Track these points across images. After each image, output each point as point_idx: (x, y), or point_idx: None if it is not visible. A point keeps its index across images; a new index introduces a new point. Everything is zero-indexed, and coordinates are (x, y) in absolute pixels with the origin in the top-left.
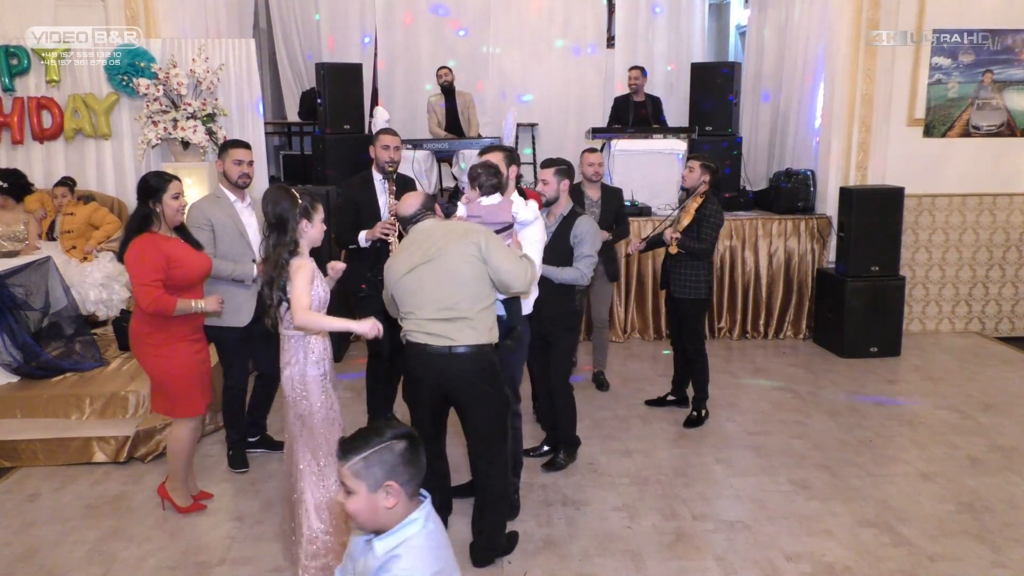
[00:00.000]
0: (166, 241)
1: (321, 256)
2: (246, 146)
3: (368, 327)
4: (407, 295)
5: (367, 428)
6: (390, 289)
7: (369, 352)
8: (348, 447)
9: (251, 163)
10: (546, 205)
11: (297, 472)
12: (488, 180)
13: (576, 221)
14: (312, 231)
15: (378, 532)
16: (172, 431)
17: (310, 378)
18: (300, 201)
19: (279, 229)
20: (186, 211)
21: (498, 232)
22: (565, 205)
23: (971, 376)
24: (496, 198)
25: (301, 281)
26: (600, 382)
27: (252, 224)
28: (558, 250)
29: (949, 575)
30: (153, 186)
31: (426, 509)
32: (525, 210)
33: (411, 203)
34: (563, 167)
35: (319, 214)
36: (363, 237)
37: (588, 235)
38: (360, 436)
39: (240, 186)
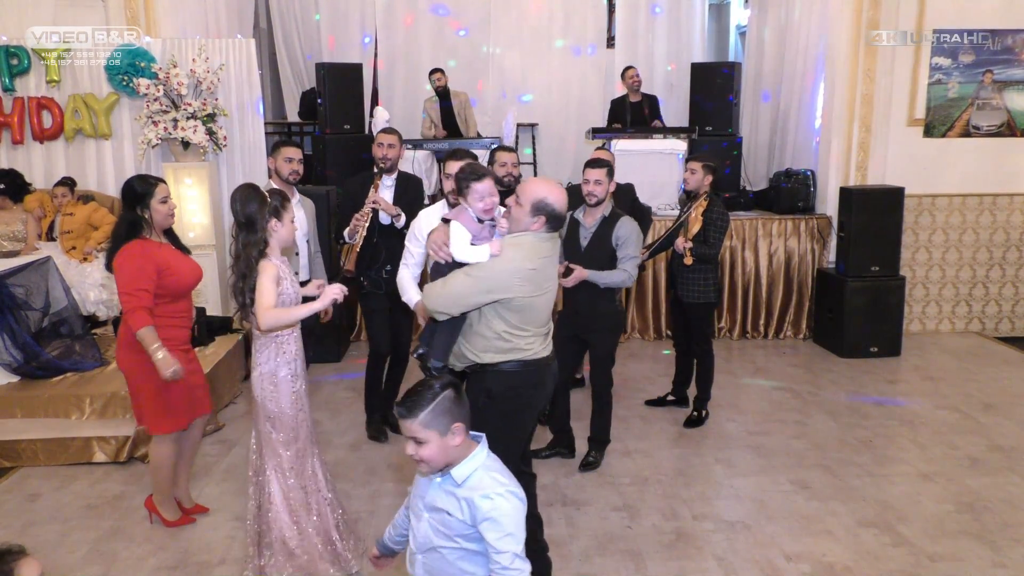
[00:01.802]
0: (158, 248)
1: (324, 254)
2: (296, 145)
3: (333, 293)
4: (545, 308)
5: (420, 385)
6: (523, 298)
7: (370, 351)
8: (412, 405)
9: (300, 160)
10: (596, 205)
11: (265, 475)
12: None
13: (619, 222)
14: (282, 231)
15: (434, 472)
16: (153, 446)
17: (281, 378)
18: (270, 200)
19: (248, 228)
20: (175, 214)
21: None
22: (607, 206)
23: (971, 376)
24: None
25: (265, 282)
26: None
27: (301, 219)
28: (599, 252)
29: (949, 575)
30: (139, 192)
31: (484, 444)
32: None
33: (562, 196)
34: (612, 167)
35: (289, 213)
36: (347, 232)
37: (632, 236)
38: (418, 394)
39: (290, 182)
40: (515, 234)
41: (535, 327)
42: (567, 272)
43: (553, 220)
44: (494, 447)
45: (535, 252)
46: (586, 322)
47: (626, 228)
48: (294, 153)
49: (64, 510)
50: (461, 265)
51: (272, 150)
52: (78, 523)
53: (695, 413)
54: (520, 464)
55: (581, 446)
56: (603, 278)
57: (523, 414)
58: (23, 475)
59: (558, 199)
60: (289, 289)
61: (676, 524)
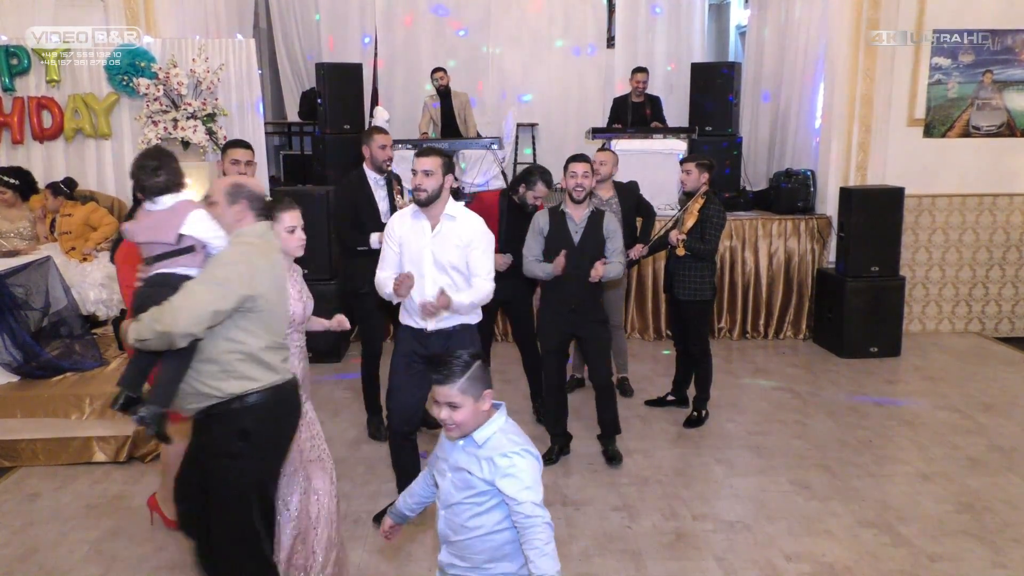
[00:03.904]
0: None
1: (322, 254)
2: (245, 145)
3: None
4: (285, 314)
5: (451, 356)
6: (265, 300)
7: (363, 350)
8: (449, 372)
9: (249, 163)
10: (583, 200)
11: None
12: (149, 178)
13: (605, 217)
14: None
15: (461, 437)
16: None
17: None
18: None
19: None
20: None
21: (156, 259)
22: (590, 203)
23: (971, 376)
24: (166, 201)
25: None
26: (624, 388)
27: None
28: (592, 246)
29: (949, 575)
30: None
31: (502, 410)
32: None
33: (253, 181)
34: (592, 163)
35: (282, 223)
36: (375, 239)
37: (619, 230)
38: (455, 363)
39: None
40: (236, 232)
41: (278, 336)
42: (578, 269)
43: (255, 202)
44: (247, 495)
45: (268, 245)
46: (580, 318)
47: (614, 222)
48: (241, 155)
49: (64, 510)
50: (165, 284)
51: (221, 152)
52: (78, 523)
53: (695, 413)
54: (266, 529)
55: (578, 445)
56: (608, 272)
57: (282, 448)
58: (23, 475)
59: (248, 182)
60: (295, 303)
61: (676, 524)
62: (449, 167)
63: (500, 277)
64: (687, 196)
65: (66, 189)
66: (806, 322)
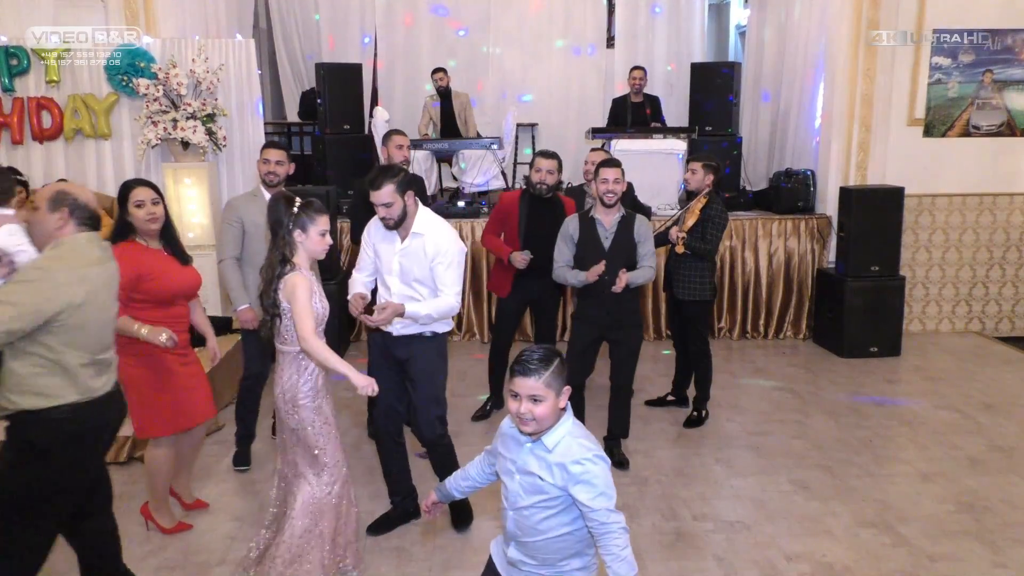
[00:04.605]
0: (143, 251)
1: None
2: (276, 146)
3: (364, 383)
4: (103, 329)
5: (537, 349)
6: (75, 313)
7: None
8: (536, 365)
9: (279, 163)
10: (613, 205)
11: (286, 484)
12: None
13: (636, 220)
14: (308, 243)
15: (534, 434)
16: (148, 451)
17: (301, 393)
18: (295, 209)
19: (274, 236)
20: (160, 220)
21: None
22: (620, 207)
23: (971, 376)
24: None
25: (303, 301)
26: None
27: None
28: (623, 251)
29: (949, 575)
30: (119, 194)
31: (569, 411)
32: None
33: (80, 190)
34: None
35: (317, 226)
36: None
37: (650, 233)
38: (541, 356)
39: (268, 184)
40: (51, 244)
41: (93, 352)
42: (609, 276)
43: (78, 211)
44: (34, 510)
45: (81, 258)
46: (615, 322)
47: (645, 225)
48: (272, 155)
49: None
50: None
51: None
52: None
53: (695, 413)
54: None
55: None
56: (636, 278)
57: (77, 468)
58: None
59: (75, 190)
60: (317, 305)
61: (676, 524)
62: (405, 185)
63: (528, 276)
64: (689, 195)
65: None
66: (806, 322)
